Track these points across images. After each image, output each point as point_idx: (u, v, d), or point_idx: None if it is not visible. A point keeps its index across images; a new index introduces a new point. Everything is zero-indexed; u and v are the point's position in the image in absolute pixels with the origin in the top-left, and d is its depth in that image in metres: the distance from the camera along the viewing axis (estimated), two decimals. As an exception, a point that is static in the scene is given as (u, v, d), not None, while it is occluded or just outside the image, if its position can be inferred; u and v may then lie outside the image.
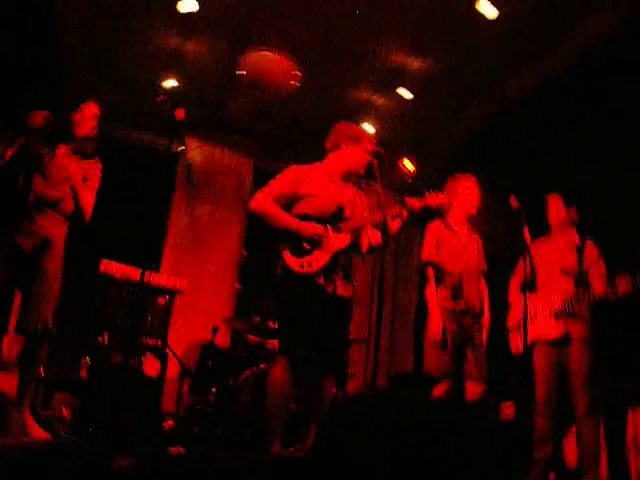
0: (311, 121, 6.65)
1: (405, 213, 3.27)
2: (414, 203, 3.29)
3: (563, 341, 3.71)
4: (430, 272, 3.95)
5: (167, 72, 6.23)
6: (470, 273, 3.94)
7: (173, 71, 6.22)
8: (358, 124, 6.32)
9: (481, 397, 3.71)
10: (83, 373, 4.45)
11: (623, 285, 3.50)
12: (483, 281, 4.05)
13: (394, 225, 3.30)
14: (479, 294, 3.97)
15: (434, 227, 4.06)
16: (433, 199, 3.30)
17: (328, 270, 3.23)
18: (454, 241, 3.99)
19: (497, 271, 4.21)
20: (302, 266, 3.20)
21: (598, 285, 3.71)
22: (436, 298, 3.86)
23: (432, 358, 3.83)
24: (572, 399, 3.65)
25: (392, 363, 7.07)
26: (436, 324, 3.78)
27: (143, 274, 3.24)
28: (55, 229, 3.41)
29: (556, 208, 4.00)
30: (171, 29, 5.65)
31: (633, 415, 4.01)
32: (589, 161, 4.89)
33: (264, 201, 3.32)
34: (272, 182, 3.39)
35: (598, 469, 3.57)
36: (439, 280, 3.92)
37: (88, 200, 3.49)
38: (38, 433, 3.24)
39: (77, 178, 3.41)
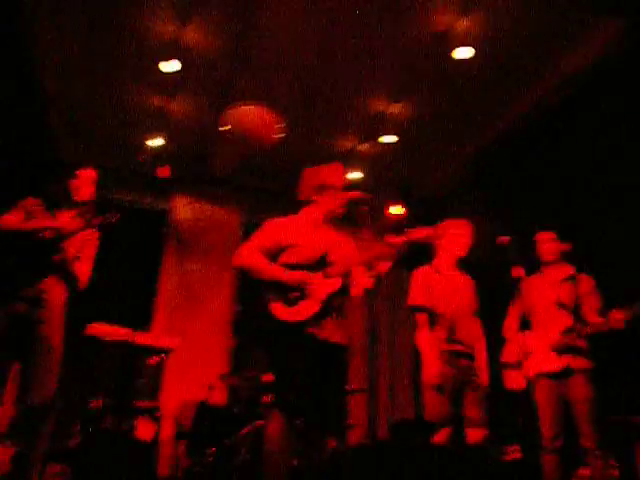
0: (297, 172, 6.68)
1: (391, 252, 3.23)
2: (396, 239, 3.24)
3: (564, 374, 3.67)
4: (420, 317, 3.90)
5: (152, 130, 6.31)
6: (463, 314, 3.89)
7: (158, 129, 6.31)
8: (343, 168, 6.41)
9: (483, 442, 3.61)
10: (75, 441, 4.29)
11: (617, 317, 3.47)
12: (477, 321, 4.00)
13: (382, 267, 3.26)
14: (474, 335, 3.91)
15: (421, 272, 4.04)
16: (416, 233, 3.25)
17: (319, 317, 3.17)
18: (444, 284, 3.95)
19: (492, 309, 4.16)
20: (292, 314, 3.13)
21: (592, 317, 3.70)
22: (429, 342, 3.79)
23: (431, 404, 3.74)
24: (579, 434, 3.57)
25: (393, 411, 6.91)
26: (432, 368, 3.71)
27: (133, 334, 3.16)
28: (55, 294, 3.38)
29: (547, 244, 3.99)
30: (155, 88, 5.76)
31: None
32: (578, 194, 4.93)
33: (249, 255, 3.27)
34: (253, 237, 3.35)
35: None
36: (433, 323, 3.86)
37: (86, 268, 3.47)
38: None
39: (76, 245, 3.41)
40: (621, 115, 4.66)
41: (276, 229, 3.34)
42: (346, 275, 3.30)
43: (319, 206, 3.40)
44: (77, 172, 3.54)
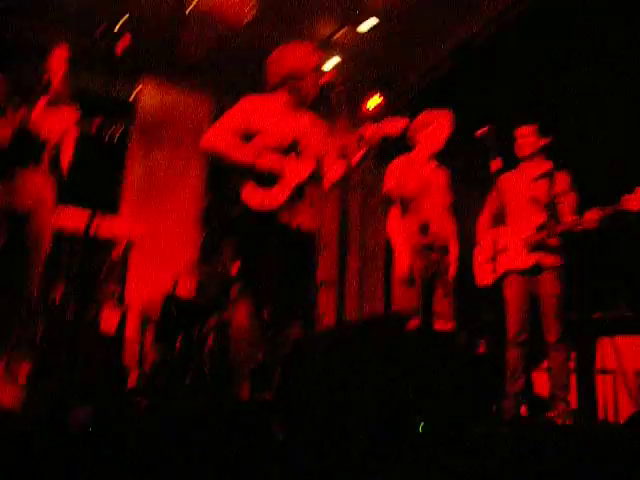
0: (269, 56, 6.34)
1: (363, 143, 3.07)
2: (371, 130, 3.06)
3: (534, 270, 3.68)
4: (393, 208, 3.81)
5: (114, 11, 5.81)
6: (436, 207, 3.80)
7: (121, 9, 5.80)
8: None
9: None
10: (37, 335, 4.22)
11: (591, 217, 3.41)
12: (450, 216, 3.92)
13: (354, 157, 3.10)
14: (446, 229, 3.83)
15: (397, 163, 3.89)
16: (391, 125, 3.07)
17: (290, 203, 3.04)
18: (419, 176, 3.82)
19: (466, 206, 4.08)
20: (263, 201, 3.00)
21: (567, 215, 3.66)
22: (400, 234, 3.73)
23: (400, 295, 3.73)
24: (543, 328, 3.63)
25: (363, 306, 6.99)
26: (403, 261, 3.66)
27: (91, 223, 3.00)
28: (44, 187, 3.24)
29: (524, 137, 3.85)
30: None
31: (600, 344, 4.04)
32: (561, 93, 4.75)
33: (216, 137, 3.08)
34: (224, 116, 3.15)
35: (568, 397, 3.58)
36: (405, 215, 3.77)
37: (69, 157, 3.32)
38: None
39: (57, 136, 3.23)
40: (602, 11, 4.41)
41: (249, 109, 3.13)
42: (317, 162, 3.15)
43: (293, 89, 3.18)
44: (51, 51, 3.23)
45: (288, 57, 3.19)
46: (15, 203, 3.11)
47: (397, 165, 3.87)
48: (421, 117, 3.90)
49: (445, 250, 3.79)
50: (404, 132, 3.17)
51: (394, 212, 3.80)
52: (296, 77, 3.14)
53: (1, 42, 5.50)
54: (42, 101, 3.19)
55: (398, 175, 3.82)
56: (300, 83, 3.16)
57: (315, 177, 3.15)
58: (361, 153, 3.10)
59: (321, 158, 3.15)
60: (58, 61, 3.25)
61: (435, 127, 3.84)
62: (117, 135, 3.33)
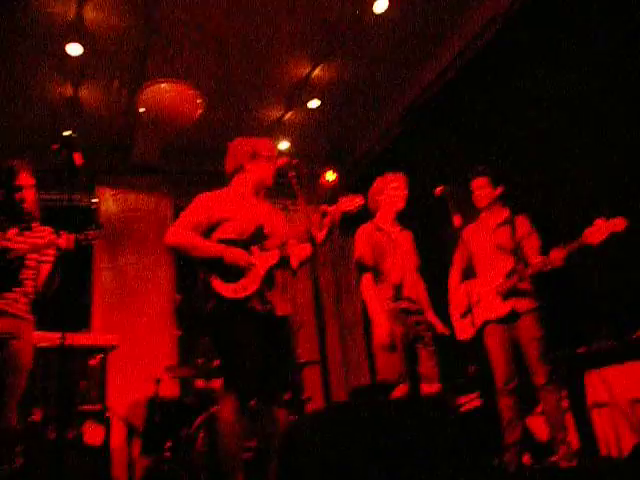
0: (223, 148, 6.46)
1: (326, 222, 3.17)
2: (331, 210, 3.19)
3: (511, 317, 3.69)
4: (365, 276, 3.82)
5: (64, 123, 5.93)
6: (408, 270, 3.83)
7: (71, 120, 5.93)
8: (273, 141, 6.24)
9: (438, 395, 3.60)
10: (18, 461, 4.02)
11: (556, 256, 3.49)
12: (419, 277, 3.95)
13: (320, 235, 3.17)
14: (418, 290, 3.86)
15: (363, 230, 3.94)
16: (347, 203, 3.21)
17: (262, 291, 3.07)
18: (386, 240, 3.88)
19: (433, 266, 4.13)
20: (236, 291, 3.02)
21: (533, 256, 3.72)
22: (377, 301, 3.71)
23: (383, 363, 3.68)
24: (530, 374, 3.61)
25: (349, 380, 6.88)
26: (381, 327, 3.62)
27: (63, 335, 2.96)
28: (24, 308, 3.26)
29: (480, 189, 3.97)
30: (59, 76, 5.40)
31: (589, 378, 4.02)
32: (508, 142, 4.94)
33: (179, 233, 3.14)
34: (183, 214, 3.22)
35: (567, 438, 3.53)
36: (378, 282, 3.79)
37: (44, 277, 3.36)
38: None
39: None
40: (539, 56, 4.68)
41: (207, 203, 3.21)
42: (283, 247, 3.21)
43: (249, 175, 3.30)
44: (17, 182, 3.29)
45: (252, 140, 3.33)
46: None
47: (364, 232, 3.92)
48: (377, 182, 4.01)
49: (421, 312, 3.79)
50: (361, 208, 3.27)
51: (367, 279, 3.81)
52: (258, 157, 3.26)
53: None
54: (15, 228, 3.31)
55: (366, 242, 3.87)
56: (260, 164, 3.27)
57: (282, 263, 3.20)
58: (324, 232, 3.18)
59: (286, 242, 3.20)
60: (26, 179, 3.32)
61: (394, 187, 3.95)
62: (95, 238, 3.34)
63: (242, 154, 3.29)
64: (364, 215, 3.84)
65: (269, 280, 3.11)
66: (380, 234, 3.90)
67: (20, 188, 3.30)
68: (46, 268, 3.34)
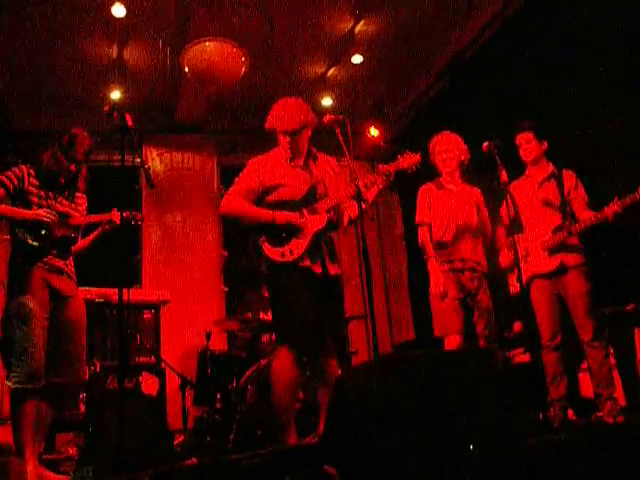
0: (266, 106, 6.47)
1: (379, 180, 3.18)
2: (386, 169, 3.21)
3: (558, 272, 3.68)
4: (424, 233, 3.91)
5: (111, 84, 6.03)
6: (466, 230, 3.86)
7: (117, 82, 6.02)
8: (316, 98, 6.21)
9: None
10: (81, 408, 4.27)
11: (610, 211, 3.43)
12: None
13: (370, 194, 3.19)
14: (479, 250, 3.87)
15: (424, 189, 4.00)
16: (405, 161, 3.21)
17: (311, 253, 3.16)
18: (446, 200, 3.93)
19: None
20: (283, 255, 3.14)
21: (581, 211, 3.69)
22: (432, 253, 3.82)
23: (439, 312, 3.77)
24: (577, 329, 3.61)
25: (394, 336, 6.98)
26: (437, 278, 3.75)
27: (121, 291, 3.08)
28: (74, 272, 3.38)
29: (526, 144, 3.91)
30: (104, 39, 5.46)
31: (638, 336, 4.00)
32: (553, 98, 4.81)
33: (233, 201, 3.29)
34: (237, 180, 3.34)
35: (614, 393, 3.54)
36: (432, 240, 3.88)
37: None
38: (53, 478, 3.13)
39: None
40: (585, 8, 4.49)
41: (259, 169, 3.30)
42: (335, 209, 3.28)
43: (287, 145, 3.31)
44: (77, 155, 3.32)
45: (271, 115, 3.30)
46: (59, 287, 3.22)
47: (424, 191, 4.00)
48: (430, 143, 4.00)
49: (477, 271, 3.82)
50: (419, 165, 3.26)
51: (424, 233, 3.92)
52: (277, 133, 3.27)
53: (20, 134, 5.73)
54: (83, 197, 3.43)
55: (424, 201, 3.97)
56: (282, 139, 3.28)
57: (331, 224, 3.26)
58: (375, 191, 3.19)
59: (340, 203, 3.25)
60: (82, 150, 3.36)
61: (439, 152, 3.95)
62: (139, 220, 3.47)
63: (269, 122, 3.29)
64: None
65: (317, 242, 3.19)
66: (440, 192, 3.95)
67: (76, 161, 3.35)
68: (90, 237, 3.47)
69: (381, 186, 3.20)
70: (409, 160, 3.20)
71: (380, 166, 3.25)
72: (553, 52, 4.78)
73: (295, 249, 3.14)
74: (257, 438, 4.14)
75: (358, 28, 5.56)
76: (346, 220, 3.34)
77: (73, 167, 3.33)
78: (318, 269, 3.16)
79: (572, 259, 3.66)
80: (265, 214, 3.19)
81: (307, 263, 3.14)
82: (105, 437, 3.68)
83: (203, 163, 6.91)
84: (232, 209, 3.29)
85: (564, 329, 3.67)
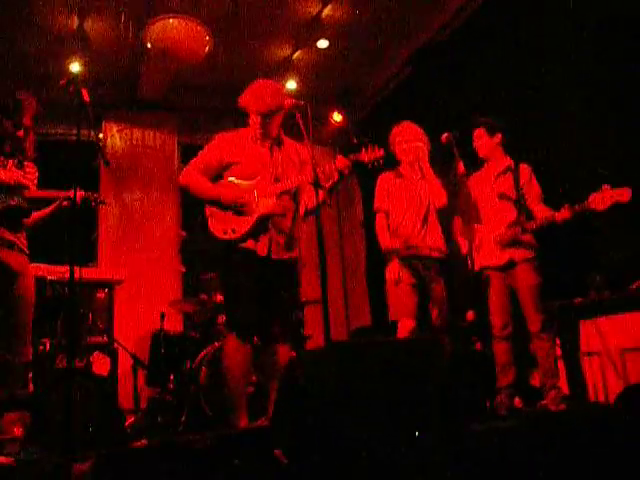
0: (230, 86, 6.39)
1: (335, 174, 3.18)
2: (345, 161, 3.20)
3: (508, 265, 3.76)
4: (381, 220, 3.95)
5: (71, 56, 5.85)
6: (422, 218, 3.89)
7: (77, 54, 5.85)
8: (280, 81, 6.15)
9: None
10: (30, 387, 4.18)
11: (562, 216, 3.54)
12: (437, 222, 3.99)
13: (327, 183, 3.19)
14: (436, 237, 3.92)
15: (384, 177, 4.02)
16: (368, 155, 3.21)
17: (256, 235, 3.16)
18: (404, 189, 3.96)
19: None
20: (225, 232, 3.16)
21: (534, 205, 3.77)
22: (388, 239, 3.87)
23: (394, 298, 3.82)
24: (526, 320, 3.70)
25: (350, 321, 7.04)
26: (392, 264, 3.80)
27: (72, 269, 3.01)
28: (24, 241, 3.23)
29: (478, 139, 3.98)
30: (64, 6, 5.28)
31: (584, 328, 4.14)
32: (516, 89, 4.87)
33: (189, 174, 3.32)
34: (200, 153, 3.37)
35: (558, 383, 3.65)
36: (390, 228, 3.92)
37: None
38: None
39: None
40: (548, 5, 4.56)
41: (221, 145, 3.32)
42: (289, 193, 3.27)
43: (252, 122, 3.33)
44: (23, 120, 3.19)
45: (245, 94, 3.31)
46: (8, 262, 3.11)
47: (383, 179, 4.02)
48: (390, 133, 4.03)
49: (431, 259, 3.86)
50: (381, 160, 3.26)
51: (380, 219, 3.96)
52: (250, 112, 3.28)
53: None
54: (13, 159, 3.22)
55: (382, 188, 4.01)
56: (254, 119, 3.29)
57: (285, 209, 3.26)
58: (332, 181, 3.19)
59: (297, 188, 3.25)
60: (28, 117, 3.25)
61: (399, 142, 3.98)
62: (100, 201, 3.41)
63: (244, 100, 3.31)
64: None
65: (264, 225, 3.18)
66: (399, 181, 3.98)
67: (20, 125, 3.23)
68: (42, 213, 3.39)
69: (336, 178, 3.20)
70: (372, 154, 3.20)
71: (340, 159, 3.23)
72: (519, 43, 4.84)
73: (238, 228, 3.15)
74: (208, 420, 4.14)
75: (325, 12, 5.52)
76: (302, 210, 3.36)
77: (20, 133, 3.21)
78: (263, 252, 3.15)
79: (521, 254, 3.73)
80: (214, 191, 3.21)
81: (250, 244, 3.15)
82: (52, 417, 3.62)
83: (164, 141, 6.79)
84: (187, 182, 3.32)
85: (515, 320, 3.76)
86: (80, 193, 3.29)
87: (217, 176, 3.29)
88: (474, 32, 5.35)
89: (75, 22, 5.53)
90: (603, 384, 3.91)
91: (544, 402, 3.61)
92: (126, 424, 4.36)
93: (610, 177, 3.45)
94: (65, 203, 3.31)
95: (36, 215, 3.35)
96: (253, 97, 3.26)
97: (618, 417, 2.90)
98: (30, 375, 4.05)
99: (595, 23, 4.17)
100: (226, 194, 3.19)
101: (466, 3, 5.38)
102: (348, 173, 3.21)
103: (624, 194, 3.35)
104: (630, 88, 4.00)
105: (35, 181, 3.34)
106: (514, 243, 3.73)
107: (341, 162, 3.17)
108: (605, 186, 3.38)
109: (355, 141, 3.58)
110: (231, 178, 3.26)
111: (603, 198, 3.37)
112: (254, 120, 3.29)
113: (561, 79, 4.49)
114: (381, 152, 3.22)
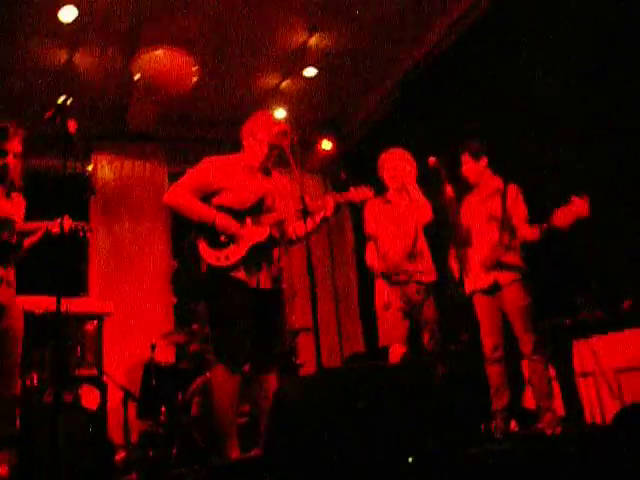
0: (219, 116, 6.47)
1: (328, 208, 3.20)
2: (336, 199, 3.22)
3: (494, 288, 3.74)
4: (371, 246, 3.99)
5: (59, 89, 5.86)
6: (411, 243, 3.89)
7: (66, 87, 5.86)
8: (268, 110, 6.19)
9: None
10: (16, 423, 4.09)
11: (532, 236, 3.57)
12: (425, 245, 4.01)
13: (317, 217, 3.20)
14: (425, 262, 3.92)
15: (370, 203, 4.02)
16: (358, 195, 3.25)
17: (248, 264, 3.11)
18: (392, 215, 3.99)
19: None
20: (218, 259, 3.09)
21: (519, 226, 3.75)
22: (378, 266, 3.88)
23: (384, 323, 3.82)
24: (518, 342, 3.68)
25: (344, 348, 6.96)
26: (381, 290, 3.82)
27: (59, 301, 2.98)
28: (11, 274, 3.21)
29: (465, 165, 4.00)
30: (53, 42, 5.34)
31: (577, 348, 4.11)
32: (504, 113, 4.92)
33: (179, 193, 3.21)
34: (189, 173, 3.28)
35: (553, 405, 3.61)
36: (379, 253, 3.93)
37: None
38: None
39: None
40: (533, 31, 4.64)
41: (211, 168, 3.26)
42: (280, 223, 3.25)
43: (248, 150, 3.32)
44: (5, 146, 3.20)
45: (252, 120, 3.34)
46: None
47: (371, 205, 4.02)
48: (379, 160, 4.08)
49: (420, 283, 3.86)
50: (367, 200, 3.33)
51: (370, 248, 4.00)
52: (255, 138, 3.28)
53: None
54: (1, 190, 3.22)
55: (371, 214, 4.03)
56: (255, 146, 3.29)
57: (276, 239, 3.23)
58: (321, 216, 3.21)
59: (286, 218, 3.25)
60: (15, 145, 3.26)
61: (387, 169, 4.03)
62: (88, 231, 3.38)
63: (245, 129, 3.33)
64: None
65: (256, 254, 3.14)
66: (387, 206, 4.02)
67: (6, 153, 3.24)
68: (29, 241, 3.36)
69: (328, 213, 3.21)
70: (362, 194, 3.25)
71: (332, 196, 3.25)
72: (502, 69, 4.91)
73: (231, 255, 3.09)
74: (200, 452, 4.07)
75: (312, 41, 5.59)
76: (289, 237, 3.34)
77: (8, 160, 3.20)
78: (253, 283, 3.10)
79: (506, 276, 3.71)
80: (208, 213, 3.12)
81: (241, 275, 3.08)
82: (39, 455, 3.53)
83: (153, 172, 6.79)
84: (176, 201, 3.21)
85: (507, 341, 3.74)
86: (68, 222, 3.26)
87: (204, 200, 3.22)
88: (457, 59, 5.43)
89: (64, 57, 5.58)
90: (599, 404, 3.87)
91: (540, 425, 3.57)
92: (117, 458, 4.28)
93: (597, 197, 3.43)
94: (55, 229, 3.28)
95: (26, 243, 3.32)
96: (265, 128, 3.26)
97: (615, 439, 2.87)
98: (17, 410, 3.98)
99: (581, 49, 4.23)
100: (221, 217, 3.11)
101: (451, 27, 5.47)
102: (336, 212, 3.23)
103: (583, 208, 3.30)
104: (614, 109, 4.05)
105: (22, 214, 3.33)
106: (498, 265, 3.71)
107: (330, 205, 3.19)
108: (574, 198, 3.33)
109: (344, 177, 3.62)
110: (219, 204, 3.20)
111: (565, 215, 3.35)
112: (259, 149, 3.26)
113: (547, 101, 4.54)
114: (371, 193, 3.26)
